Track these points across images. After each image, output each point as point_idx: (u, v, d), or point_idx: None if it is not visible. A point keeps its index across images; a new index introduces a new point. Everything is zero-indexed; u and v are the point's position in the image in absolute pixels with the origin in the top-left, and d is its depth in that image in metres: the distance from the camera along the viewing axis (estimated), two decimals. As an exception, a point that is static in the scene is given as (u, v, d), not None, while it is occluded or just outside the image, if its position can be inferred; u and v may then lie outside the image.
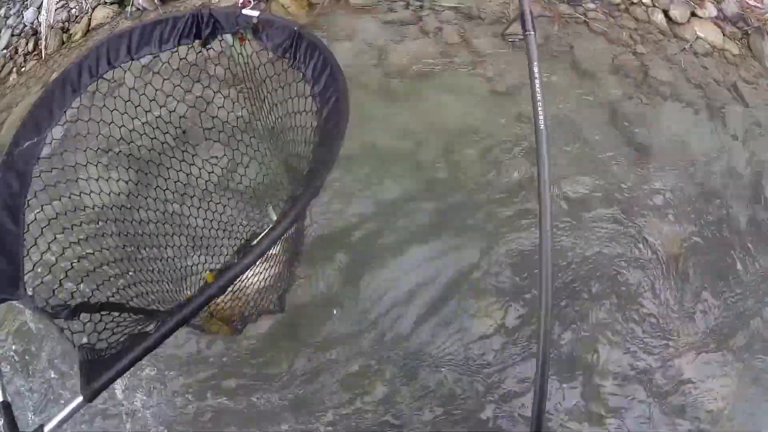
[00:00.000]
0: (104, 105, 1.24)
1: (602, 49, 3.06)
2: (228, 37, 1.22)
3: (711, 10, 3.32)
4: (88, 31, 3.80)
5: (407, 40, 2.94)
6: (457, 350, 2.23)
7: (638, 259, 2.54)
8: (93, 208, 1.34)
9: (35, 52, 4.03)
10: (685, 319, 2.44)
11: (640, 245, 2.60)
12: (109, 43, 1.16)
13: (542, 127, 1.22)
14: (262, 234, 0.86)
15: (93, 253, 1.29)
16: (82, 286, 1.20)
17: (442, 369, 2.19)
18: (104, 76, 1.18)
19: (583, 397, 2.18)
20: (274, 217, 1.55)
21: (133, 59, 1.19)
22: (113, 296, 1.21)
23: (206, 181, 1.65)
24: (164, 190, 1.48)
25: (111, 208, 1.36)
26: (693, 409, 2.21)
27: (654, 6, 3.25)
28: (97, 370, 0.74)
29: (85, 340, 0.98)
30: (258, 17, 1.14)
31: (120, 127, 1.32)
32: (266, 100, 1.35)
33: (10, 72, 4.09)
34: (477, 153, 2.73)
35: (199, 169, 1.58)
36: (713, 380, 2.29)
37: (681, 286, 2.53)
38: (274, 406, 2.06)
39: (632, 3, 3.25)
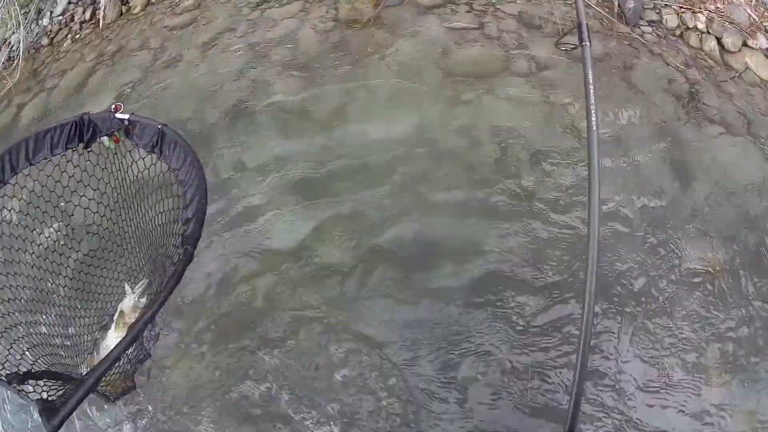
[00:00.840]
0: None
1: (656, 70, 3.14)
2: (104, 138, 1.38)
3: (762, 41, 3.40)
4: (148, 5, 3.89)
5: (468, 42, 3.02)
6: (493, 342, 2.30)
7: (672, 274, 2.62)
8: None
9: (92, 21, 4.12)
10: (714, 340, 2.52)
11: (676, 262, 2.68)
12: (10, 151, 1.33)
13: (594, 128, 1.29)
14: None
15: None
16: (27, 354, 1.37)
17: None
18: (9, 181, 1.35)
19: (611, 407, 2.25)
20: (129, 292, 1.71)
21: (31, 164, 1.36)
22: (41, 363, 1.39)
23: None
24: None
25: None
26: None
27: (708, 33, 3.33)
28: (52, 412, 1.01)
29: (37, 397, 1.19)
30: (128, 119, 1.32)
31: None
32: (137, 194, 1.55)
33: (65, 38, 4.17)
34: (527, 156, 2.81)
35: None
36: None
37: (713, 305, 2.61)
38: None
39: (687, 28, 3.32)
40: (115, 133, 1.36)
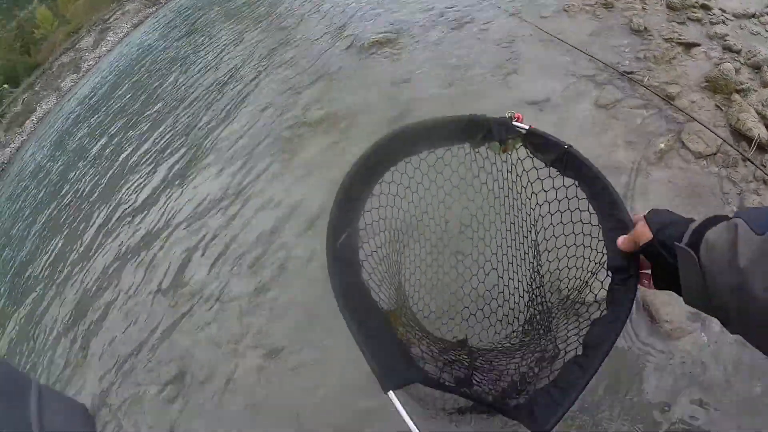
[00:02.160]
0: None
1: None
2: (495, 144, 1.28)
3: None
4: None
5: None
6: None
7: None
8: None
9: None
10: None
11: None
12: (397, 135, 1.27)
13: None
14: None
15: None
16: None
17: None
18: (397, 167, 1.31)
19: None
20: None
21: (414, 154, 1.32)
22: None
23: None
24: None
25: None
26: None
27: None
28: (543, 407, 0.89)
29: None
30: (528, 130, 1.21)
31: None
32: (526, 203, 1.41)
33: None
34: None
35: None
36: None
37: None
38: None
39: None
40: (509, 141, 1.25)
